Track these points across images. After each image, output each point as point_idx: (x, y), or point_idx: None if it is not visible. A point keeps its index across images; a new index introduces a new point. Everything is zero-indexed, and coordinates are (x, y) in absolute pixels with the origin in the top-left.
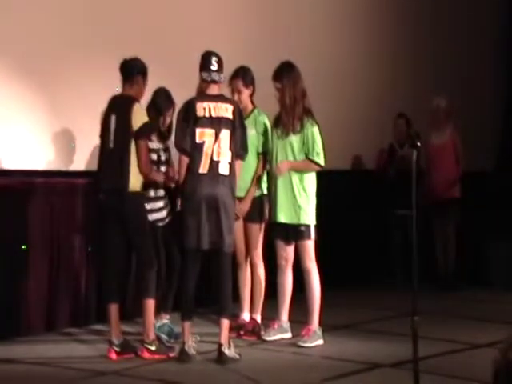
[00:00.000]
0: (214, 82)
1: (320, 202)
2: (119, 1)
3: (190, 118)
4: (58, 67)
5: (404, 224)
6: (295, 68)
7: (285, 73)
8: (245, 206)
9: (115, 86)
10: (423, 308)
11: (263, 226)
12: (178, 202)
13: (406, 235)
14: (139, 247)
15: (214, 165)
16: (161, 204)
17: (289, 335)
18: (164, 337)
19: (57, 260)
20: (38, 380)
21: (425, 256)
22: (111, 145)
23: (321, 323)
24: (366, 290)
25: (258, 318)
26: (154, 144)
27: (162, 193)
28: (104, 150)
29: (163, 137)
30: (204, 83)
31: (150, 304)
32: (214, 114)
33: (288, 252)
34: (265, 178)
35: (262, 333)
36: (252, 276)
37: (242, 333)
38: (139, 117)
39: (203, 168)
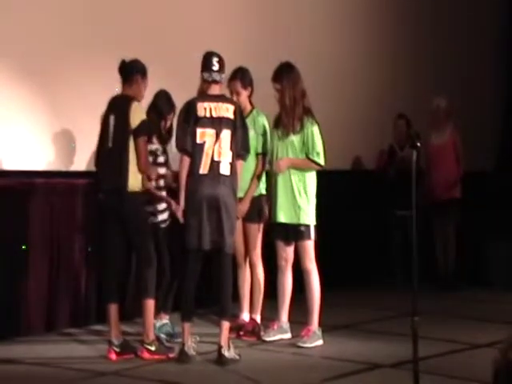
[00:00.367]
0: (214, 82)
1: (320, 202)
2: (119, 1)
3: (190, 119)
4: (58, 67)
5: (404, 224)
6: (294, 68)
7: (284, 74)
8: (244, 207)
9: (115, 87)
10: (423, 308)
11: (262, 226)
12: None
13: (406, 235)
14: (139, 247)
15: (214, 165)
16: (163, 206)
17: (288, 336)
18: (164, 337)
19: (57, 260)
20: (38, 380)
21: (425, 256)
22: (110, 144)
23: (321, 323)
24: (366, 290)
25: (258, 319)
26: (154, 146)
27: (163, 194)
28: (103, 150)
29: (163, 139)
30: (205, 83)
31: (150, 304)
32: (214, 114)
33: (288, 252)
34: (263, 179)
35: (262, 333)
36: (251, 276)
37: (241, 333)
38: (137, 115)
39: (204, 168)
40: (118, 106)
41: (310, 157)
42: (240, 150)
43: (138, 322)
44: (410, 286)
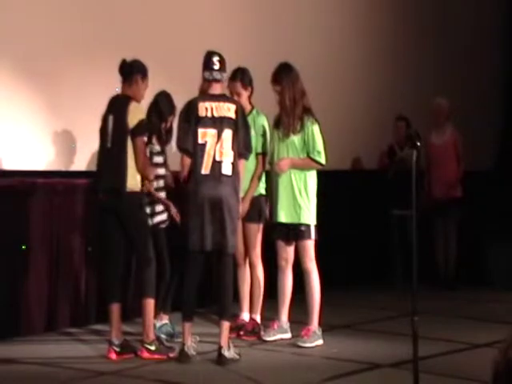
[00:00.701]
0: (215, 80)
1: (320, 202)
2: (120, 2)
3: (191, 119)
4: (59, 68)
5: (404, 224)
6: (293, 69)
7: (283, 75)
8: (244, 207)
9: (115, 87)
10: (423, 308)
11: (262, 226)
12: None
13: (406, 235)
14: (138, 247)
15: (216, 165)
16: (162, 207)
17: (288, 335)
18: (164, 337)
19: (57, 260)
20: (38, 380)
21: (425, 256)
22: (109, 144)
23: (321, 323)
24: (366, 290)
25: (258, 319)
26: (152, 146)
27: (163, 195)
28: (102, 150)
29: (163, 140)
30: (206, 83)
31: (150, 304)
32: (216, 114)
33: (288, 252)
34: (263, 179)
35: (262, 333)
36: (251, 276)
37: (241, 333)
38: (135, 115)
39: (205, 169)
40: (117, 106)
41: (311, 156)
42: (242, 149)
43: (138, 322)
44: (409, 285)
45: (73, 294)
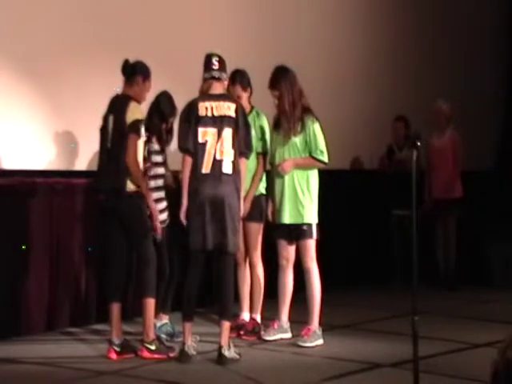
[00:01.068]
0: (214, 78)
1: (320, 202)
2: (121, 2)
3: (192, 118)
4: (59, 68)
5: (404, 224)
6: (289, 71)
7: (281, 79)
8: (245, 207)
9: (115, 87)
10: (423, 308)
11: (262, 225)
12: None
13: (406, 235)
14: (138, 246)
15: (217, 164)
16: (162, 206)
17: (289, 335)
18: (164, 337)
19: (57, 260)
20: (38, 380)
21: (425, 256)
22: (109, 144)
23: (321, 323)
24: (366, 289)
25: (258, 318)
26: (152, 145)
27: (163, 194)
28: (102, 150)
29: (163, 140)
30: (206, 83)
31: (150, 303)
32: (216, 113)
33: (289, 252)
34: (264, 178)
35: (262, 333)
36: (251, 276)
37: (241, 333)
38: (133, 114)
39: (206, 168)
40: (117, 106)
41: (314, 155)
42: (243, 148)
43: (139, 322)
44: (409, 285)
45: (73, 293)
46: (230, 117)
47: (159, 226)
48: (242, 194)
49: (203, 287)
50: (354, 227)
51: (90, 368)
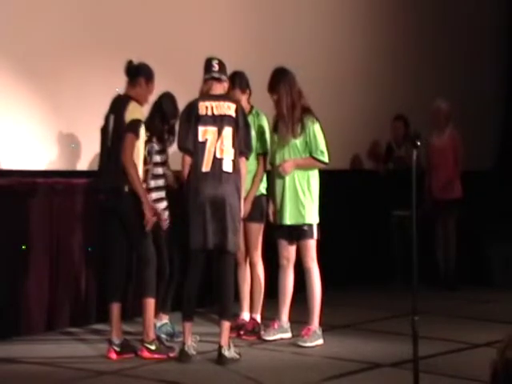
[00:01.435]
0: (214, 79)
1: (320, 202)
2: (121, 2)
3: (191, 118)
4: (59, 68)
5: (404, 224)
6: (287, 73)
7: (280, 83)
8: (245, 207)
9: (116, 87)
10: (423, 308)
11: (263, 225)
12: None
13: (406, 235)
14: (138, 246)
15: (217, 162)
16: (163, 205)
17: (289, 335)
18: (164, 337)
19: (57, 260)
20: (38, 380)
21: (425, 256)
22: (109, 144)
23: (321, 323)
24: (366, 289)
25: (258, 318)
26: (152, 145)
27: (163, 194)
28: (103, 150)
29: (164, 141)
30: (206, 85)
31: (150, 303)
32: (216, 112)
33: (290, 252)
34: (264, 178)
35: (262, 332)
36: (252, 276)
37: (241, 333)
38: (132, 114)
39: (206, 166)
40: (117, 106)
41: (314, 155)
42: (243, 148)
43: (139, 322)
44: (409, 285)
45: (73, 293)
46: (230, 116)
47: (151, 219)
48: (243, 194)
49: (203, 287)
50: (354, 227)
51: (90, 368)
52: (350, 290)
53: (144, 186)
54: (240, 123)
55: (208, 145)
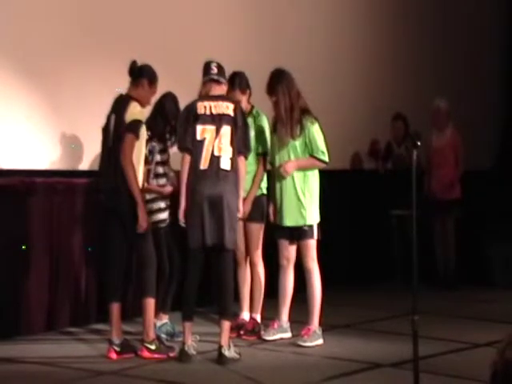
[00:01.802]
0: (213, 80)
1: (320, 202)
2: (122, 2)
3: (190, 118)
4: (59, 68)
5: (404, 224)
6: (285, 75)
7: (278, 85)
8: (246, 207)
9: (116, 87)
10: (423, 308)
11: (263, 225)
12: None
13: (406, 235)
14: (138, 246)
15: (214, 160)
16: (162, 205)
17: (289, 335)
18: (164, 336)
19: (57, 260)
20: (38, 380)
21: (425, 256)
22: (110, 144)
23: (321, 323)
24: (366, 290)
25: (258, 318)
26: (153, 144)
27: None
28: (104, 150)
29: (165, 141)
30: (205, 87)
31: (150, 303)
32: (214, 112)
33: (290, 252)
34: (264, 178)
35: (262, 332)
36: (252, 275)
37: (241, 332)
38: (132, 114)
39: (204, 164)
40: (119, 106)
41: (316, 155)
42: (242, 147)
43: (139, 322)
44: (409, 285)
45: (73, 293)
46: (228, 115)
47: (145, 219)
48: (243, 194)
49: (203, 287)
50: (354, 227)
51: (90, 368)
52: (349, 290)
53: (145, 185)
54: (238, 123)
55: (206, 143)
